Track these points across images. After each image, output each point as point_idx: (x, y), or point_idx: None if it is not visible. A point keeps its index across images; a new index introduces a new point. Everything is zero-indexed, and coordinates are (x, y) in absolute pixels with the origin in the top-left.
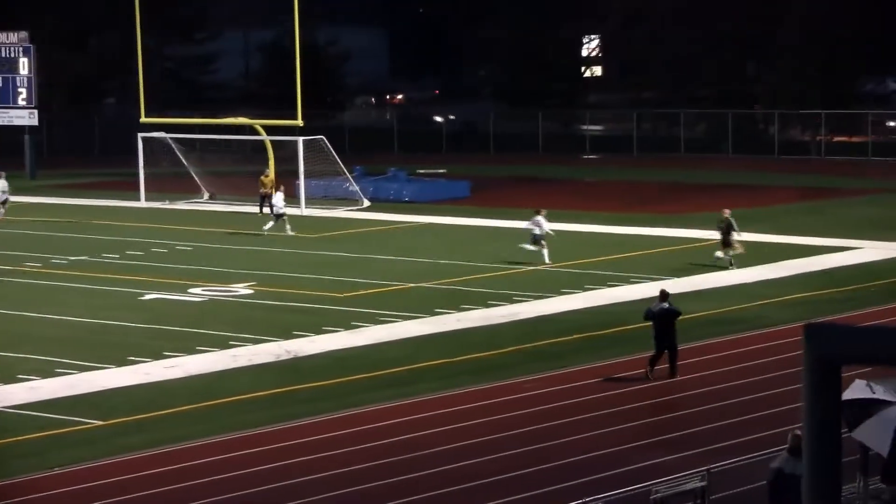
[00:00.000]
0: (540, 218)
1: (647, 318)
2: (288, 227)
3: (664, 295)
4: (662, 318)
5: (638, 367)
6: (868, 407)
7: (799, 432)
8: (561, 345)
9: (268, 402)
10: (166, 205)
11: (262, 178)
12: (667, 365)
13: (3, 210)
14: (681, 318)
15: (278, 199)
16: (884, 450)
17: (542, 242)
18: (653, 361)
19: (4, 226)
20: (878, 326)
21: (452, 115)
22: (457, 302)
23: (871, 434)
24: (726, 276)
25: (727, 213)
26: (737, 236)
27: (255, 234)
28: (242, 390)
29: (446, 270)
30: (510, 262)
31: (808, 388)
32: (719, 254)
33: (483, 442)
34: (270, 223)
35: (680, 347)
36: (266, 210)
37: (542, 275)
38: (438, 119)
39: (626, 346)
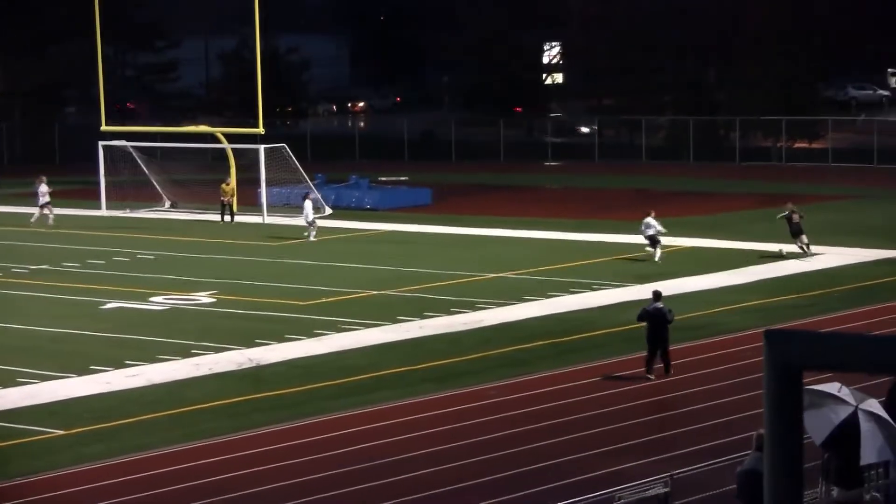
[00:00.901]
0: (650, 219)
1: (640, 318)
2: (312, 233)
3: (657, 295)
4: (656, 317)
5: (600, 373)
6: (826, 398)
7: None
8: (524, 351)
9: (230, 411)
10: (127, 213)
11: (223, 185)
12: (660, 364)
13: (50, 215)
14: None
15: (308, 207)
16: (817, 440)
17: (658, 241)
18: (649, 362)
19: None
20: (839, 332)
21: (413, 122)
22: (419, 309)
23: (814, 423)
24: (687, 283)
25: (790, 205)
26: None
27: (217, 242)
28: (205, 399)
29: (408, 278)
30: (472, 270)
31: (768, 393)
32: (790, 247)
33: (447, 449)
34: (313, 232)
35: (639, 355)
36: (227, 218)
37: (505, 282)
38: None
39: (590, 352)
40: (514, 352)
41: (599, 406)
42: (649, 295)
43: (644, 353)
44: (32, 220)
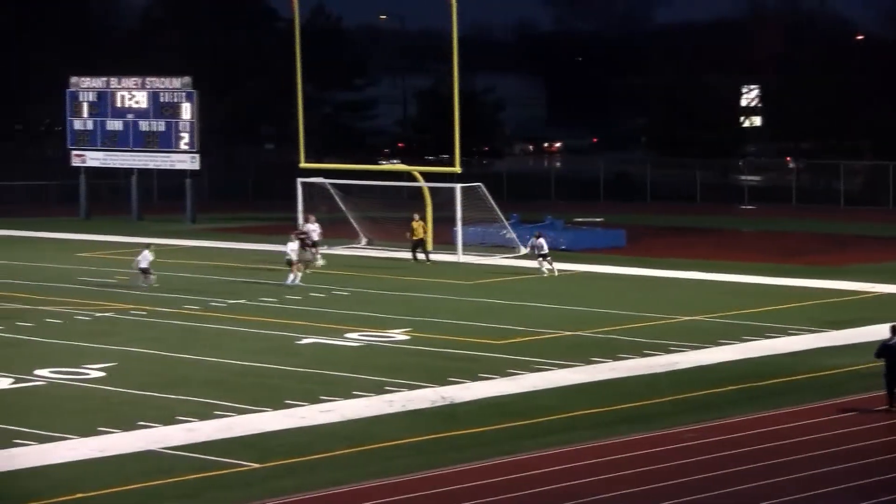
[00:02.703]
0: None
1: (878, 354)
2: (546, 267)
3: None
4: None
5: (798, 419)
6: None
7: None
8: (718, 395)
9: (422, 448)
10: (325, 250)
11: (413, 223)
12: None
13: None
14: (843, 370)
15: (542, 243)
16: None
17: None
18: (893, 397)
19: (166, 268)
20: None
21: (609, 163)
22: (612, 351)
23: None
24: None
25: None
26: None
27: (412, 280)
28: (397, 436)
29: (602, 319)
30: (665, 312)
31: None
32: None
33: (639, 492)
34: (547, 266)
35: (847, 399)
36: (420, 256)
37: (699, 325)
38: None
39: (786, 396)
40: (707, 395)
41: (799, 451)
42: (845, 341)
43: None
44: (319, 263)
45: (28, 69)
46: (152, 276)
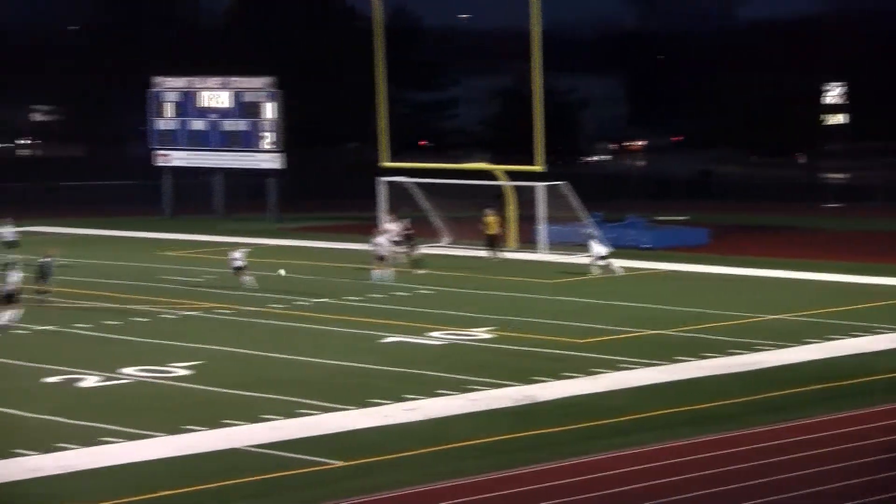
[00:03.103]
0: None
1: None
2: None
3: None
4: None
5: (882, 418)
6: None
7: None
8: (802, 394)
9: (501, 448)
10: (407, 249)
11: (487, 218)
12: None
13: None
14: None
15: (595, 246)
16: None
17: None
18: None
19: (250, 268)
20: None
21: (691, 162)
22: (696, 350)
23: None
24: None
25: None
26: None
27: (495, 279)
28: (478, 435)
29: (685, 318)
30: (749, 311)
31: None
32: None
33: (716, 493)
34: (598, 265)
35: None
36: (498, 253)
37: (784, 324)
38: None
39: (871, 396)
40: (791, 395)
41: (881, 451)
42: None
43: None
44: (420, 271)
45: (112, 69)
46: (248, 277)
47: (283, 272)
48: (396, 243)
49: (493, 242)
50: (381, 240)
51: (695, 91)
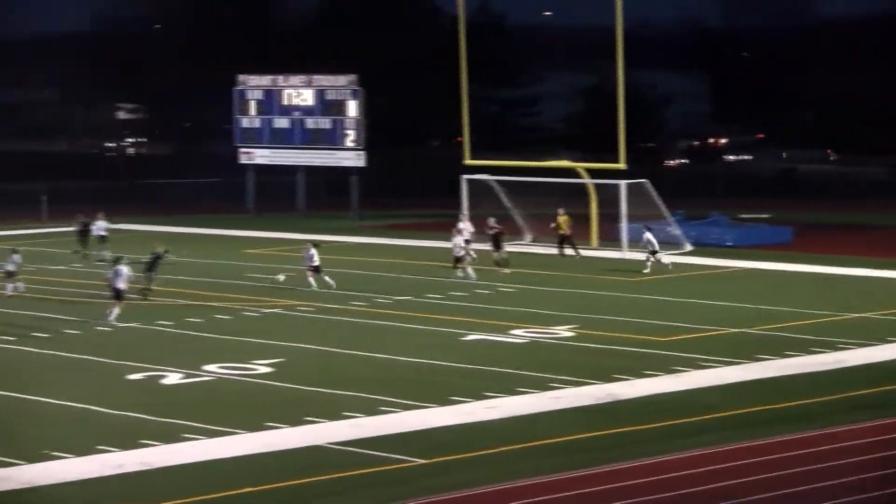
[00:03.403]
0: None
1: None
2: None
3: None
4: None
5: None
6: None
7: None
8: (887, 393)
9: (582, 446)
10: (488, 246)
11: (559, 217)
12: None
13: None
14: None
15: (651, 238)
16: None
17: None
18: None
19: (332, 265)
20: None
21: (776, 160)
22: (778, 348)
23: None
24: None
25: None
26: None
27: (577, 276)
28: (558, 433)
29: (768, 316)
30: (833, 309)
31: None
32: None
33: (796, 493)
34: (655, 260)
35: None
36: (568, 251)
37: (867, 323)
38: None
39: None
40: (874, 393)
41: None
42: None
43: None
44: (506, 272)
45: (197, 68)
46: (317, 277)
47: (281, 277)
48: (467, 242)
49: (564, 242)
50: (458, 240)
51: (778, 88)
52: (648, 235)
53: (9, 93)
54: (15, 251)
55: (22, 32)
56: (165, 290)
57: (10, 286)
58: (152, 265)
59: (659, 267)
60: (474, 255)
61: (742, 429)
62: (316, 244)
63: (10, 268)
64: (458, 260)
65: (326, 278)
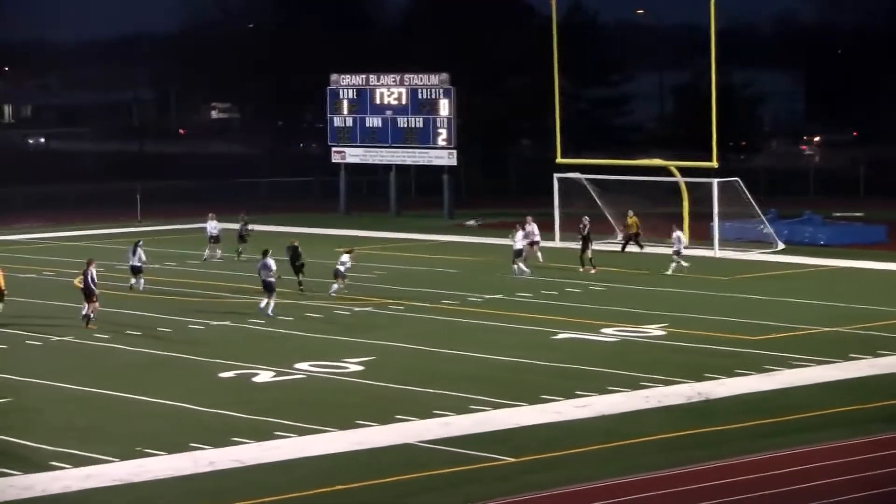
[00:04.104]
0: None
1: None
2: (675, 265)
3: None
4: None
5: None
6: None
7: None
8: None
9: (672, 445)
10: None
11: (629, 219)
12: None
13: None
14: None
15: (680, 237)
16: None
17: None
18: None
19: (423, 263)
20: None
21: (870, 157)
22: (872, 347)
23: None
24: None
25: None
26: None
27: (668, 275)
28: (649, 432)
29: (862, 315)
30: None
31: None
32: None
33: (887, 493)
34: (674, 264)
35: None
36: (632, 248)
37: None
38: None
39: None
40: None
41: None
42: None
43: None
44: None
45: (290, 67)
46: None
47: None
48: (533, 243)
49: (630, 240)
50: (518, 235)
51: (874, 85)
52: (678, 234)
53: (103, 94)
54: (137, 244)
55: (113, 33)
56: (256, 288)
57: (133, 281)
58: (294, 258)
59: (678, 268)
60: (532, 253)
61: (833, 428)
62: (350, 250)
63: (137, 263)
64: (518, 255)
65: (337, 286)
